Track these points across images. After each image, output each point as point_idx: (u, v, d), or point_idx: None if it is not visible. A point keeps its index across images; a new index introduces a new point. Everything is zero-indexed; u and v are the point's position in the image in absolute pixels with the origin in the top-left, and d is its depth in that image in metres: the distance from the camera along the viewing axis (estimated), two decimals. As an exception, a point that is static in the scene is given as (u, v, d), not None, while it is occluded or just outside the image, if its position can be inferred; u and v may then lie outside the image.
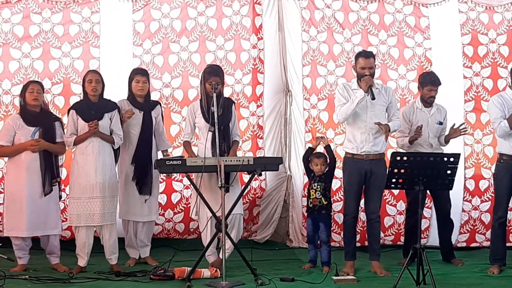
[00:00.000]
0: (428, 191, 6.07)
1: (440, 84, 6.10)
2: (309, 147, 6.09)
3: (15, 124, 5.56)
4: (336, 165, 6.26)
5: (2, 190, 6.01)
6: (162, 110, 6.12)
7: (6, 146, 5.56)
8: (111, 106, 5.73)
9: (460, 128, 6.12)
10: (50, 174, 5.57)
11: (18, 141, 5.54)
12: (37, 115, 5.61)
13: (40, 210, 5.51)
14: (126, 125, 5.82)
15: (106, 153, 5.60)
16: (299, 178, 6.83)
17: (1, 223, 6.27)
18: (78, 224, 5.51)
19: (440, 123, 6.13)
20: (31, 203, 5.47)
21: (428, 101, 6.09)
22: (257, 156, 6.75)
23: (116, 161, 5.81)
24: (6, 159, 5.76)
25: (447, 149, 6.12)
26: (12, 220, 5.51)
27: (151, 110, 5.93)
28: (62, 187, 5.89)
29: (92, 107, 5.60)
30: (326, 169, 5.84)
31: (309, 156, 5.96)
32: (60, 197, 5.75)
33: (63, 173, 6.24)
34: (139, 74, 5.94)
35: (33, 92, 5.57)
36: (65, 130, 5.75)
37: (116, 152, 5.79)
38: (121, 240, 5.82)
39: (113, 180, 5.66)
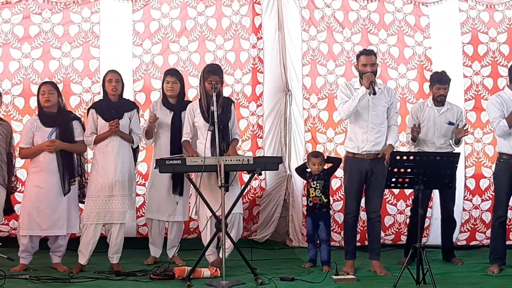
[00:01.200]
0: (434, 190, 6.06)
1: (448, 82, 6.07)
2: (304, 163, 6.10)
3: (32, 126, 5.62)
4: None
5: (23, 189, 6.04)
6: None
7: (26, 148, 5.63)
8: (130, 105, 5.78)
9: (464, 128, 6.10)
10: (69, 174, 5.60)
11: (36, 143, 5.59)
12: (53, 115, 5.65)
13: (59, 210, 5.55)
14: (157, 126, 5.88)
15: (125, 152, 5.64)
16: (299, 177, 6.81)
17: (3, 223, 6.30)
18: (92, 222, 5.52)
19: (451, 123, 6.07)
20: (50, 203, 5.51)
21: (438, 100, 6.07)
22: (257, 155, 6.75)
23: (135, 160, 5.85)
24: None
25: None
26: (30, 219, 5.53)
27: (182, 111, 5.91)
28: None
29: (112, 106, 5.64)
30: (324, 168, 5.84)
31: (302, 170, 5.99)
32: (84, 194, 5.75)
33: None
34: (169, 74, 5.99)
35: (44, 94, 5.61)
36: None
37: (135, 151, 5.82)
38: (126, 240, 5.80)
39: (132, 179, 5.70)
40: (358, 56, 5.66)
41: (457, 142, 6.13)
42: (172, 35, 6.80)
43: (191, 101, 6.23)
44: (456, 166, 5.26)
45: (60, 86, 6.53)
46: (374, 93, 5.43)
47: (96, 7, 6.69)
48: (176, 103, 5.97)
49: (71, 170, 5.65)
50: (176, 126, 5.88)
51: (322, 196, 5.80)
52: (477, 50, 6.95)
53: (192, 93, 6.70)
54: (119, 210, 5.54)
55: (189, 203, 5.98)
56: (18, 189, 6.02)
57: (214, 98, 5.38)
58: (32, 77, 6.57)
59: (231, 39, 6.87)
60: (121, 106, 5.68)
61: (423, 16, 6.97)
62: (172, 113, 5.92)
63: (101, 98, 5.86)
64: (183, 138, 5.77)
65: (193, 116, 5.73)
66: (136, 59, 6.74)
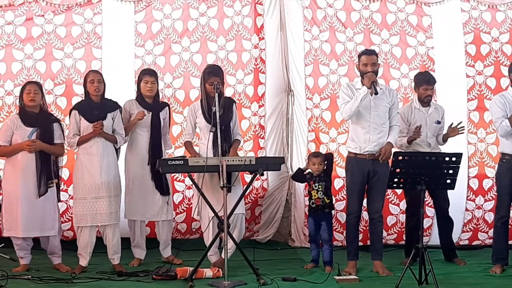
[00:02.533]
0: (427, 191, 6.05)
1: (435, 82, 6.11)
2: (299, 168, 6.09)
3: (13, 124, 5.57)
4: (339, 165, 6.31)
5: (1, 191, 6.04)
6: (170, 112, 6.12)
7: (3, 146, 5.57)
8: (113, 105, 5.74)
9: (458, 127, 6.10)
10: (46, 175, 5.55)
11: (15, 141, 5.54)
12: (35, 115, 5.61)
13: (35, 211, 5.50)
14: (135, 125, 5.85)
15: (110, 153, 5.63)
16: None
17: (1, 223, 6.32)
18: (85, 224, 5.52)
19: (438, 122, 6.12)
20: (26, 204, 5.48)
21: (425, 101, 6.08)
22: (259, 156, 6.75)
23: (117, 160, 5.81)
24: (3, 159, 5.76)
25: (450, 148, 6.09)
26: (9, 220, 5.53)
27: (160, 111, 5.94)
28: (64, 187, 5.88)
29: (95, 107, 5.61)
30: (324, 168, 5.84)
31: (300, 175, 5.98)
32: (59, 198, 5.74)
33: (65, 173, 6.26)
34: (148, 74, 5.95)
35: (30, 93, 5.57)
36: (65, 131, 5.77)
37: (117, 151, 5.80)
38: (124, 240, 5.82)
39: (117, 179, 5.68)
40: (359, 56, 5.67)
41: (445, 141, 6.14)
42: (174, 36, 6.80)
43: (165, 102, 6.25)
44: (459, 167, 5.24)
45: (63, 87, 6.64)
46: (376, 93, 5.43)
47: (99, 8, 6.69)
48: (152, 103, 5.94)
49: (49, 172, 5.58)
50: (156, 126, 5.88)
51: (325, 197, 5.79)
52: (479, 50, 6.94)
53: (194, 93, 6.71)
54: (108, 211, 5.53)
55: (191, 203, 5.98)
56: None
57: (216, 99, 5.39)
58: (34, 78, 6.53)
59: (233, 39, 6.87)
60: (104, 106, 5.65)
61: (425, 16, 6.96)
62: (151, 113, 5.90)
63: (83, 99, 5.81)
64: (185, 139, 5.77)
65: (195, 117, 5.74)
66: (138, 60, 6.75)
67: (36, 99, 5.59)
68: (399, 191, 6.76)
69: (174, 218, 6.74)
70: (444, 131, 6.17)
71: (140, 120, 5.79)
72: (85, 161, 5.57)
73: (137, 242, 5.98)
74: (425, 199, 6.10)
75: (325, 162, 5.87)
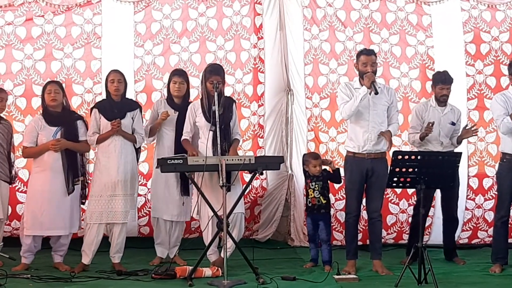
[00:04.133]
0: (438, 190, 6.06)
1: (451, 82, 6.08)
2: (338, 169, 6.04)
3: (37, 125, 5.63)
4: (339, 164, 6.30)
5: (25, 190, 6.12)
6: None
7: (30, 147, 5.64)
8: (133, 105, 5.79)
9: (473, 129, 6.09)
10: (73, 173, 5.62)
11: (40, 142, 5.60)
12: (58, 115, 5.67)
13: (62, 210, 5.57)
14: (161, 124, 5.87)
15: (128, 152, 5.65)
16: (301, 177, 6.77)
17: (6, 223, 6.32)
18: (98, 222, 5.53)
19: (453, 124, 6.09)
20: (54, 202, 5.53)
21: (441, 100, 6.07)
22: (258, 155, 6.74)
23: (137, 160, 5.85)
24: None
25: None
26: (32, 219, 5.55)
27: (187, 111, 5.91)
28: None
29: (115, 106, 5.65)
30: (324, 169, 5.83)
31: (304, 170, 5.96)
32: (86, 195, 5.77)
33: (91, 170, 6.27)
34: (177, 75, 5.98)
35: (51, 93, 5.63)
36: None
37: (138, 151, 5.83)
38: (128, 240, 5.82)
39: (134, 178, 5.70)
40: (358, 56, 5.67)
41: (460, 142, 6.12)
42: (173, 36, 6.81)
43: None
44: (458, 166, 5.24)
45: (63, 86, 6.60)
46: (376, 93, 5.42)
47: (98, 8, 6.71)
48: (181, 103, 5.97)
49: (75, 170, 5.66)
50: (182, 126, 5.85)
51: (321, 197, 5.78)
52: (479, 49, 6.94)
53: (193, 93, 6.68)
54: (122, 210, 5.55)
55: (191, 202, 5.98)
56: (15, 186, 6.05)
57: (216, 98, 5.39)
58: (34, 78, 6.60)
59: (231, 39, 6.88)
60: (123, 105, 5.70)
61: (425, 15, 6.96)
62: (177, 113, 5.92)
63: (104, 98, 5.87)
64: (183, 137, 5.76)
65: (194, 116, 5.73)
66: (138, 60, 6.76)
67: (57, 98, 5.64)
68: (399, 190, 6.76)
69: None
70: (459, 133, 6.14)
71: (164, 120, 5.81)
72: (103, 159, 5.60)
73: (161, 240, 5.99)
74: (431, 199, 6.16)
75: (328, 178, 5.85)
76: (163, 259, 5.99)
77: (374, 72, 5.54)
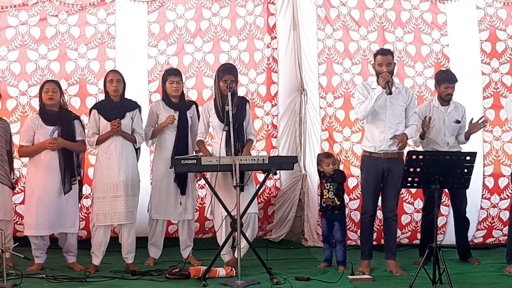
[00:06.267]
0: (446, 190, 6.01)
1: (456, 81, 6.04)
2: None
3: (34, 124, 5.62)
4: (353, 164, 6.26)
5: (22, 189, 6.13)
6: (198, 110, 6.07)
7: (26, 146, 5.63)
8: (132, 105, 5.77)
9: (479, 122, 6.04)
10: (70, 173, 5.61)
11: (37, 141, 5.59)
12: (55, 114, 5.67)
13: (59, 209, 5.56)
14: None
15: (128, 152, 5.64)
16: (314, 177, 6.79)
17: (19, 223, 6.37)
18: (104, 223, 5.55)
19: (458, 122, 6.05)
20: (51, 202, 5.53)
21: (445, 99, 6.03)
22: (271, 155, 6.73)
23: (137, 160, 5.84)
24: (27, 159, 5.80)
25: (466, 146, 6.08)
26: (32, 218, 5.56)
27: (186, 110, 5.93)
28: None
29: (114, 106, 5.65)
30: (338, 169, 5.80)
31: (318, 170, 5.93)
32: (81, 195, 5.79)
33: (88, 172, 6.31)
34: (173, 74, 5.95)
35: (48, 91, 5.62)
36: (85, 130, 5.81)
37: (137, 151, 5.82)
38: (139, 240, 5.83)
39: (135, 178, 5.70)
40: (375, 56, 5.64)
41: (468, 138, 6.07)
42: (187, 36, 6.81)
43: (193, 100, 6.25)
44: (473, 166, 5.20)
45: (76, 87, 6.68)
46: (390, 93, 5.40)
47: (112, 8, 6.72)
48: (179, 103, 5.95)
49: (72, 169, 5.64)
50: (183, 126, 5.87)
51: (335, 198, 5.73)
52: (495, 47, 6.87)
53: (207, 93, 6.73)
54: (126, 210, 5.54)
55: (204, 202, 5.99)
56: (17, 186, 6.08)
57: (229, 98, 5.38)
58: (48, 78, 6.57)
59: (245, 39, 6.88)
60: (123, 106, 5.68)
61: (440, 13, 6.91)
62: (177, 112, 5.90)
63: (103, 98, 5.86)
64: (198, 138, 5.77)
65: (208, 116, 5.73)
66: (151, 60, 6.77)
67: (54, 98, 5.64)
68: (413, 190, 6.72)
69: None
70: (466, 129, 6.09)
71: (171, 124, 5.80)
72: (103, 160, 5.60)
73: (154, 240, 5.99)
74: (441, 198, 6.11)
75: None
76: (156, 260, 5.98)
77: (391, 72, 5.51)
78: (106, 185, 5.54)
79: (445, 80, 6.01)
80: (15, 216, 6.33)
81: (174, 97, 5.94)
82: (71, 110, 6.19)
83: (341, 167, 6.14)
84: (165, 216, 5.95)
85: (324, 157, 5.88)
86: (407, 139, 5.53)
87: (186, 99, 6.11)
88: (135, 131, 5.70)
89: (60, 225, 5.59)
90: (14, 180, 5.92)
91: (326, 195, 5.77)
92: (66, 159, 5.60)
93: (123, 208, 5.53)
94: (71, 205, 5.65)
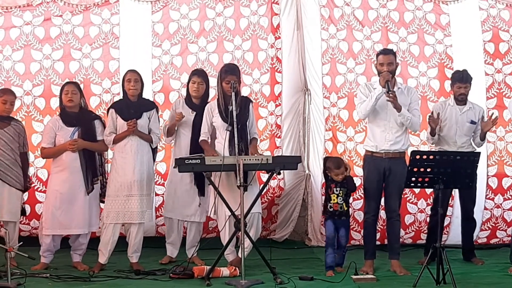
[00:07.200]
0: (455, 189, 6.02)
1: (469, 81, 6.03)
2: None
3: (54, 126, 5.68)
4: (357, 164, 6.25)
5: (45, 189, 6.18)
6: None
7: (48, 148, 5.69)
8: (149, 105, 5.80)
9: (492, 119, 6.02)
10: (92, 173, 5.66)
11: (58, 142, 5.66)
12: (75, 115, 5.71)
13: (81, 209, 5.61)
14: (178, 125, 5.88)
15: (144, 152, 5.67)
16: (318, 177, 6.80)
17: (24, 222, 6.38)
18: (115, 221, 5.57)
19: (473, 123, 6.02)
20: (73, 202, 5.58)
21: (459, 99, 6.03)
22: (275, 155, 6.73)
23: (154, 160, 5.87)
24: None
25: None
26: (52, 219, 5.59)
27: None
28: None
29: (131, 106, 5.67)
30: (348, 175, 5.70)
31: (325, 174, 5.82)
32: (103, 194, 5.81)
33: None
34: (196, 75, 5.98)
35: (68, 93, 5.67)
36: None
37: (154, 151, 5.84)
38: (145, 240, 5.84)
39: (150, 178, 5.73)
40: (377, 56, 5.66)
41: (483, 138, 6.06)
42: (191, 36, 6.83)
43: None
44: (477, 166, 5.20)
45: (80, 87, 6.65)
46: (388, 91, 5.37)
47: (116, 8, 6.74)
48: (199, 104, 5.96)
49: (94, 169, 5.71)
50: (198, 127, 5.86)
51: (344, 204, 5.60)
52: (498, 48, 6.88)
53: (211, 93, 6.67)
54: (138, 210, 5.57)
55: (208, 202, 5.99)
56: (34, 186, 6.13)
57: (233, 98, 5.39)
58: (53, 78, 6.65)
59: (249, 39, 6.88)
60: (140, 105, 5.71)
61: (443, 14, 6.91)
62: (195, 113, 5.92)
63: (121, 98, 5.89)
64: (201, 138, 5.77)
65: (211, 116, 5.74)
66: (155, 59, 6.79)
67: (74, 99, 5.67)
68: (417, 190, 6.72)
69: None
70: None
71: (178, 122, 5.81)
72: (119, 159, 5.63)
73: (173, 239, 6.01)
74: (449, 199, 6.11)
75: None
76: (173, 258, 6.00)
77: (392, 72, 5.51)
78: (120, 183, 5.57)
79: (457, 80, 6.03)
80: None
81: (195, 97, 5.96)
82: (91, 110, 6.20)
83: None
84: (178, 215, 5.95)
85: (334, 167, 5.60)
86: (400, 108, 5.39)
87: (208, 100, 6.05)
88: (152, 131, 5.72)
89: (78, 225, 5.62)
90: (29, 183, 5.94)
91: (334, 200, 5.59)
92: (87, 159, 5.65)
93: (137, 207, 5.56)
94: (93, 204, 5.70)
